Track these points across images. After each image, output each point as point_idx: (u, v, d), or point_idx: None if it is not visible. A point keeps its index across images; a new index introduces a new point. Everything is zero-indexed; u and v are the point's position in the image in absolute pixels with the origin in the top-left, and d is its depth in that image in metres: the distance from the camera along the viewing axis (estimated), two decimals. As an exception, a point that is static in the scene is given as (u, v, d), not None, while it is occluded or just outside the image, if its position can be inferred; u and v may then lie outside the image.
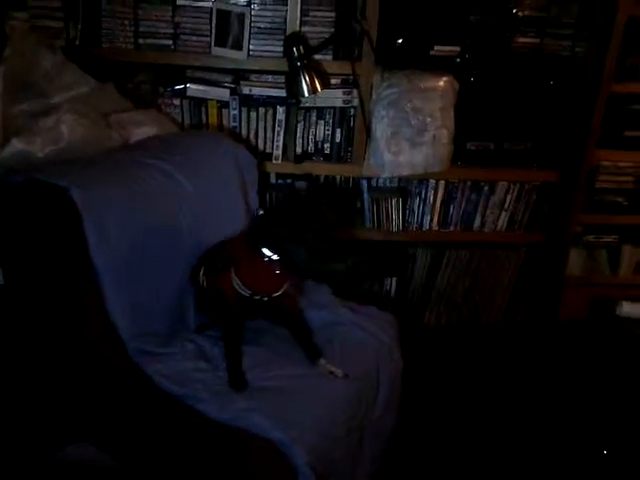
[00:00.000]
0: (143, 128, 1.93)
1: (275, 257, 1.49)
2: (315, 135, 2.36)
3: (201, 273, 1.64)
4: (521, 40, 2.39)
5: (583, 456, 2.08)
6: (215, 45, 2.19)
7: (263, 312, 1.66)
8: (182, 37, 2.19)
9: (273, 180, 2.49)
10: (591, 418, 2.16)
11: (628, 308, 2.00)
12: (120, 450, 1.35)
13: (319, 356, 1.61)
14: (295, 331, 1.67)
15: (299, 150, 2.37)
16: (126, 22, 2.14)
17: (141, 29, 2.15)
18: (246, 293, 1.55)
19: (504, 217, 2.58)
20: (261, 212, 1.52)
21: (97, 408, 1.37)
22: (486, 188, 2.53)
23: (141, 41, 2.17)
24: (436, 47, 2.35)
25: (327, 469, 1.42)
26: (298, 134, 2.35)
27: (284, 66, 2.20)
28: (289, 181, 2.47)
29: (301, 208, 1.53)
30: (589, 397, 2.18)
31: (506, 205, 2.56)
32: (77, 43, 2.13)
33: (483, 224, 2.58)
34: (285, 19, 2.19)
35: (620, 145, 2.51)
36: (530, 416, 1.80)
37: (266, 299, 1.59)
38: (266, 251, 1.49)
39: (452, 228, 2.57)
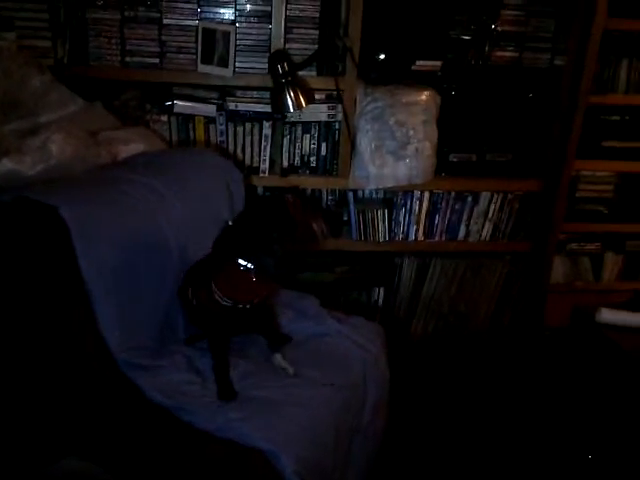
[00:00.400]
0: (131, 145, 1.95)
1: (250, 265, 1.48)
2: (301, 149, 2.41)
3: (190, 289, 1.66)
4: (500, 54, 2.45)
5: (568, 460, 2.11)
6: (201, 63, 2.24)
7: (247, 321, 1.67)
8: (168, 55, 2.23)
9: (261, 193, 2.53)
10: (576, 424, 2.19)
11: (607, 315, 2.04)
12: (112, 462, 1.37)
13: (277, 350, 1.67)
14: (267, 326, 1.72)
15: (285, 164, 2.41)
16: (113, 41, 2.18)
17: (128, 47, 2.20)
18: (228, 303, 1.55)
19: (488, 226, 2.63)
20: (230, 223, 1.53)
21: (87, 421, 1.39)
22: (470, 198, 2.58)
23: (128, 59, 2.21)
24: (418, 62, 2.40)
25: (315, 477, 1.44)
26: (284, 148, 2.39)
27: (269, 82, 2.24)
28: (276, 194, 2.50)
29: (267, 215, 1.53)
30: (573, 403, 2.22)
31: (490, 215, 2.60)
32: (65, 62, 2.17)
33: (468, 234, 2.63)
34: (269, 36, 2.24)
35: (598, 155, 2.57)
36: (516, 422, 1.83)
37: (248, 307, 1.59)
38: (241, 261, 1.49)
39: (437, 238, 2.61)
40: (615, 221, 2.70)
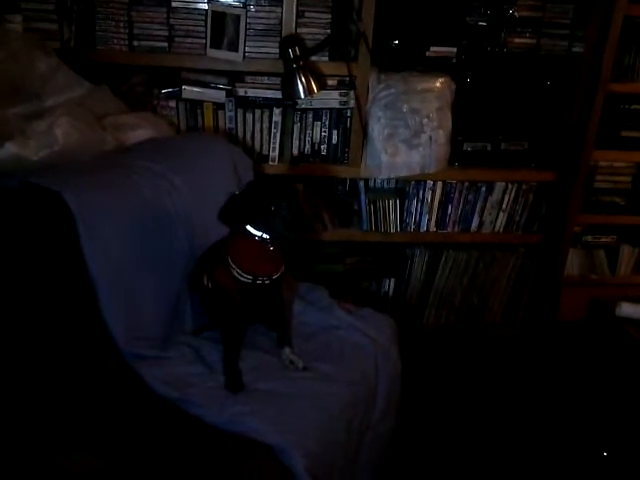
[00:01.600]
0: (138, 131, 1.91)
1: (265, 235, 1.44)
2: (312, 137, 2.36)
3: (205, 275, 1.61)
4: (517, 40, 2.39)
5: (583, 457, 2.07)
6: (210, 47, 2.19)
7: (264, 302, 1.61)
8: (177, 39, 2.18)
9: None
10: (591, 420, 2.15)
11: (627, 309, 1.99)
12: (115, 456, 1.34)
13: (286, 344, 1.62)
14: (279, 319, 1.67)
15: (295, 152, 2.36)
16: (120, 24, 2.13)
17: (135, 31, 2.15)
18: (247, 279, 1.49)
19: (502, 218, 2.57)
20: (236, 192, 1.48)
21: (92, 414, 1.36)
22: (483, 189, 2.52)
23: (136, 43, 2.16)
24: (432, 48, 2.35)
25: (326, 473, 1.41)
26: (294, 135, 2.34)
27: (280, 68, 2.19)
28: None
29: (272, 183, 1.50)
30: (589, 399, 2.18)
31: (504, 206, 2.55)
32: (71, 45, 2.12)
33: (481, 225, 2.58)
34: (281, 20, 2.19)
35: (617, 145, 2.52)
36: (530, 417, 1.80)
37: (268, 282, 1.52)
38: (253, 230, 1.45)
39: (450, 229, 2.57)
40: (632, 213, 2.65)
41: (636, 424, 1.93)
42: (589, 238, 2.71)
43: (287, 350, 1.62)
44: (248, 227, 1.45)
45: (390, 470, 1.86)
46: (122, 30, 2.14)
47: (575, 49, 2.41)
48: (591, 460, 2.06)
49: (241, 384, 1.49)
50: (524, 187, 2.54)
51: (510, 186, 2.53)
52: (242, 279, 1.48)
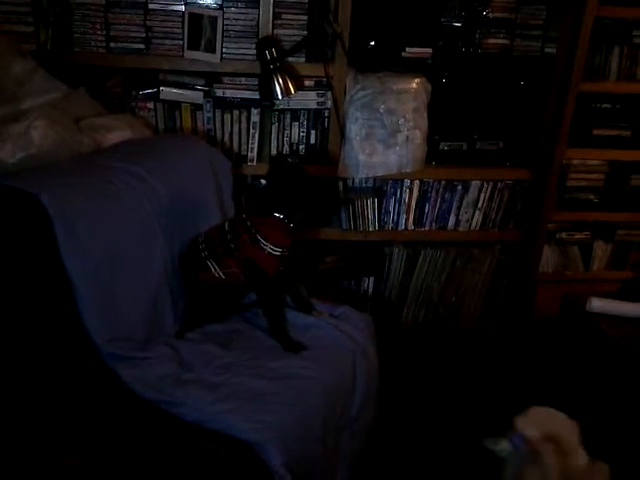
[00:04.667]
0: (116, 132, 1.92)
1: (282, 217, 1.75)
2: (290, 137, 2.38)
3: (212, 265, 1.72)
4: (491, 41, 2.43)
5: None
6: (188, 48, 2.20)
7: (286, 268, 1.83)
8: (154, 41, 2.19)
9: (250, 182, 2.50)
10: (566, 412, 2.19)
11: (597, 304, 2.04)
12: (104, 460, 1.34)
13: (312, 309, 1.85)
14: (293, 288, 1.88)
15: (274, 152, 2.38)
16: (97, 26, 2.13)
17: (112, 33, 2.15)
18: (277, 252, 1.73)
19: (478, 216, 2.61)
20: (263, 182, 1.85)
21: (72, 416, 1.36)
22: (460, 187, 2.56)
23: (113, 45, 2.16)
24: (408, 49, 2.38)
25: (304, 468, 1.43)
26: (273, 136, 2.36)
27: (257, 69, 2.21)
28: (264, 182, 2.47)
29: (292, 177, 1.79)
30: (563, 393, 2.22)
31: (480, 204, 2.59)
32: (48, 48, 2.12)
33: (458, 223, 2.62)
34: (257, 22, 2.20)
35: (589, 143, 2.56)
36: (506, 411, 1.83)
37: (287, 253, 1.78)
38: (277, 214, 1.74)
39: (427, 227, 2.60)
40: (605, 210, 2.70)
41: (609, 416, 1.97)
42: (563, 235, 2.75)
43: (315, 313, 1.83)
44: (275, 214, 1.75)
45: (371, 462, 1.89)
46: (99, 32, 2.14)
47: (547, 50, 2.46)
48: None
49: (299, 344, 1.67)
50: (499, 185, 2.58)
51: (486, 184, 2.57)
52: (274, 253, 1.73)
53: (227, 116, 2.29)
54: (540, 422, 1.47)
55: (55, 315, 1.42)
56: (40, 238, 1.44)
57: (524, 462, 1.39)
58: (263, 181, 1.81)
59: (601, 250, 2.81)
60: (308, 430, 1.49)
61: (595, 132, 2.55)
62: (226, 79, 2.27)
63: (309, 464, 1.47)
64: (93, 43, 2.15)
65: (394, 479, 1.97)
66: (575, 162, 2.60)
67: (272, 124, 2.34)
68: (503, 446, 1.46)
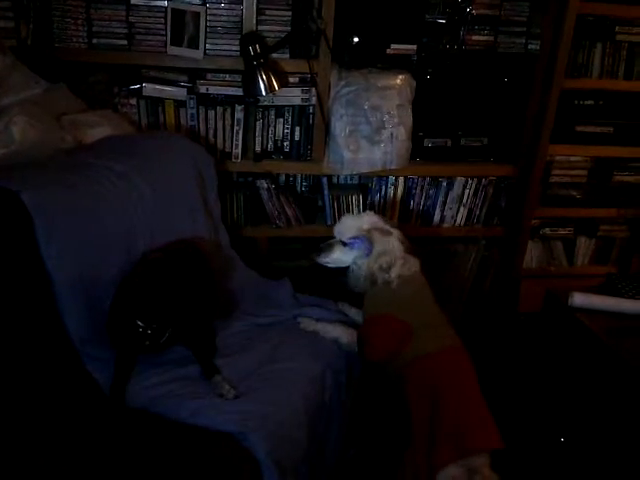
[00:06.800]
0: (98, 129, 1.91)
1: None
2: (274, 133, 2.37)
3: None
4: (475, 38, 2.44)
5: (541, 443, 2.13)
6: (171, 44, 2.18)
7: None
8: (137, 37, 2.17)
9: (235, 179, 2.50)
10: (549, 407, 2.21)
11: (579, 299, 2.05)
12: (78, 459, 1.33)
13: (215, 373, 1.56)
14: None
15: (258, 148, 2.38)
16: (79, 22, 2.11)
17: (94, 29, 2.13)
18: None
19: (463, 212, 2.63)
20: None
21: (49, 415, 1.35)
22: (444, 184, 2.57)
23: (95, 41, 2.15)
24: (392, 46, 2.37)
25: (291, 455, 1.45)
26: (257, 132, 2.35)
27: (241, 65, 2.20)
28: (250, 179, 2.47)
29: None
30: (546, 387, 2.24)
31: (464, 200, 2.60)
32: (29, 43, 2.10)
33: (442, 219, 2.63)
34: (241, 18, 2.19)
35: (572, 140, 2.58)
36: (489, 406, 1.84)
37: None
38: None
39: (412, 223, 2.61)
40: (588, 205, 2.72)
41: (591, 410, 1.99)
42: (547, 230, 2.77)
43: (218, 378, 1.54)
44: None
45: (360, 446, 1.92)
46: (81, 28, 2.12)
47: (531, 47, 2.47)
48: (549, 446, 2.12)
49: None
50: (484, 181, 2.59)
51: (470, 181, 2.58)
52: None
53: (211, 113, 2.28)
54: (354, 223, 1.82)
55: (35, 314, 1.41)
56: (20, 236, 1.42)
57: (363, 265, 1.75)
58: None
59: (584, 246, 2.84)
60: (293, 417, 1.50)
61: (578, 129, 2.57)
62: (210, 75, 2.26)
63: (295, 447, 1.48)
64: (75, 39, 2.13)
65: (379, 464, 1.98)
66: (558, 158, 2.62)
67: (256, 121, 2.33)
68: (334, 253, 1.81)
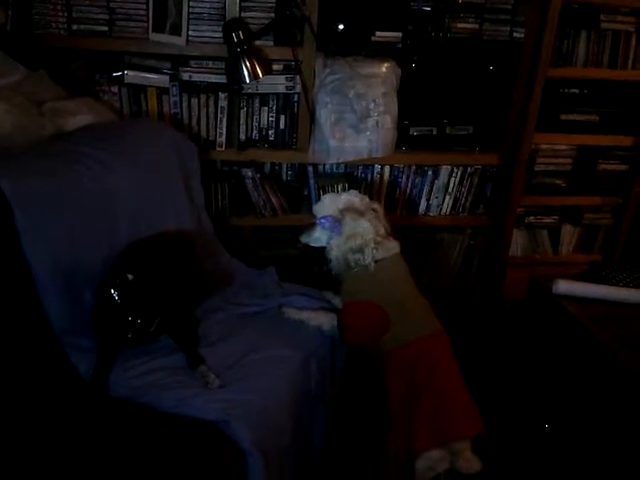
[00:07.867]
0: (79, 117, 1.87)
1: None
2: (259, 122, 2.35)
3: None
4: (461, 26, 2.43)
5: (526, 430, 2.15)
6: (153, 31, 2.15)
7: None
8: (118, 23, 2.13)
9: (219, 168, 2.47)
10: (533, 394, 2.23)
11: (563, 286, 2.07)
12: (65, 451, 1.32)
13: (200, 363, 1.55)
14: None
15: (243, 137, 2.36)
16: (58, 7, 2.07)
17: (74, 14, 2.09)
18: None
19: (448, 200, 2.63)
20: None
21: (32, 407, 1.33)
22: (430, 172, 2.57)
23: (75, 27, 2.11)
24: (377, 33, 2.36)
25: (276, 442, 1.45)
26: (242, 121, 2.33)
27: (224, 52, 2.17)
28: (235, 168, 2.45)
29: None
30: (531, 374, 2.25)
31: (450, 188, 2.60)
32: (8, 29, 2.05)
33: (428, 208, 2.63)
34: (224, 4, 2.16)
35: (557, 128, 2.58)
36: (474, 392, 1.86)
37: None
38: None
39: (398, 212, 2.61)
40: (573, 194, 2.73)
41: (575, 396, 2.01)
42: (532, 219, 2.78)
43: (203, 367, 1.53)
44: None
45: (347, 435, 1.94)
46: (60, 14, 2.08)
47: (516, 35, 2.47)
48: (533, 432, 2.14)
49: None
50: (469, 170, 2.59)
51: (456, 169, 2.58)
52: None
53: (194, 100, 2.25)
54: (332, 202, 1.82)
55: (15, 303, 1.39)
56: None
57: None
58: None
59: (569, 234, 2.85)
60: (279, 405, 1.50)
61: (563, 117, 2.57)
62: (193, 62, 2.23)
63: (280, 434, 1.48)
64: (54, 25, 2.09)
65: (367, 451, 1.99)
66: (543, 147, 2.63)
67: (240, 109, 2.31)
68: (315, 232, 1.81)
